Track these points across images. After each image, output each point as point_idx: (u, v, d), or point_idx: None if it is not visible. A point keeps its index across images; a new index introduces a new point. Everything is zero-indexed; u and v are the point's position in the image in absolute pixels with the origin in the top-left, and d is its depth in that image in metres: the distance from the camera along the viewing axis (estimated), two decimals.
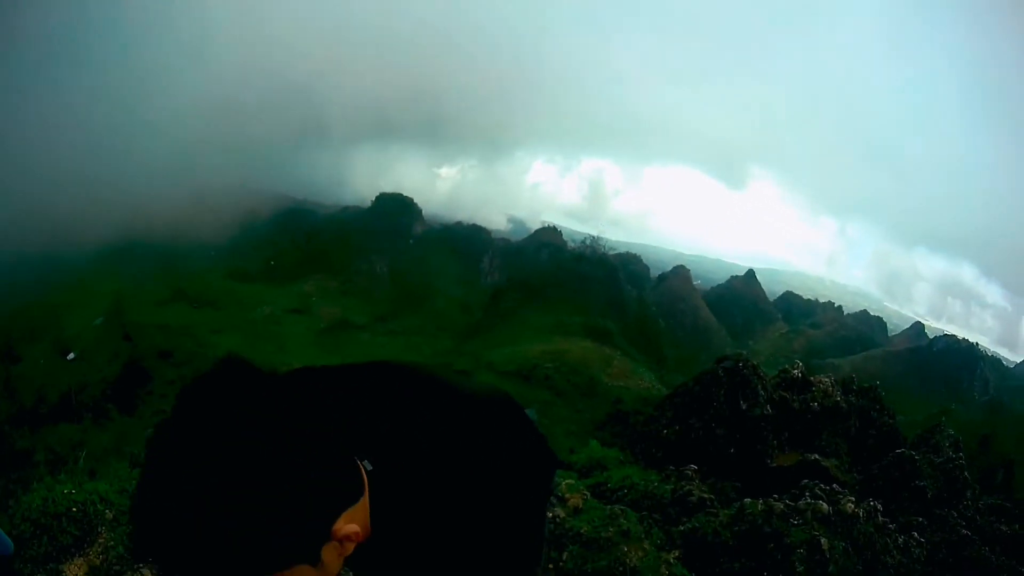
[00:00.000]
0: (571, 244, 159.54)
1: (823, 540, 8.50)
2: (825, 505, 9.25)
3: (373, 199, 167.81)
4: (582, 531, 7.60)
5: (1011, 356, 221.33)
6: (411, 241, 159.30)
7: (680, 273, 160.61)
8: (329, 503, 1.31)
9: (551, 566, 7.16)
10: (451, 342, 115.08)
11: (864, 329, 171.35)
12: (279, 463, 1.18)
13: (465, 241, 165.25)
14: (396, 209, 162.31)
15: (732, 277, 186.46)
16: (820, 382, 20.32)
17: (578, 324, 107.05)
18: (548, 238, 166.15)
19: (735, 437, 19.00)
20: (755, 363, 20.68)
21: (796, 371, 20.69)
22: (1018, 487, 43.21)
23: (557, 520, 7.72)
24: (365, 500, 1.44)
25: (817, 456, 17.69)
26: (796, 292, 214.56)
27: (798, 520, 8.89)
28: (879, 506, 10.14)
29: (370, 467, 1.48)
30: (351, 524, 1.34)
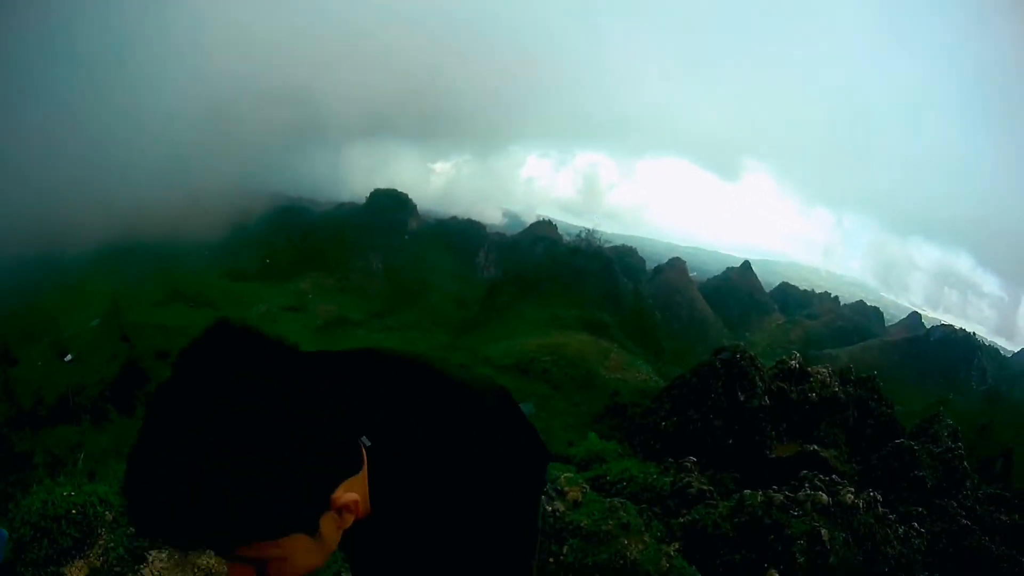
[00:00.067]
0: (566, 238, 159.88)
1: (823, 531, 8.49)
2: (825, 496, 9.24)
3: (368, 196, 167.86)
4: (582, 524, 7.57)
5: (1008, 345, 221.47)
6: (406, 237, 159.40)
7: (676, 265, 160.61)
8: (328, 470, 1.30)
9: (551, 560, 7.14)
10: (447, 337, 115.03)
11: (861, 319, 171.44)
12: (278, 427, 1.15)
13: (460, 236, 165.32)
14: (391, 205, 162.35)
15: (728, 268, 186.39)
16: (818, 373, 20.31)
17: (574, 317, 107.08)
18: (543, 232, 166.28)
19: (733, 428, 18.99)
20: (752, 354, 20.66)
21: (794, 362, 20.68)
22: (1017, 476, 43.37)
23: (557, 514, 7.70)
24: (364, 475, 1.43)
25: (816, 447, 17.69)
26: (792, 283, 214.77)
27: (798, 511, 8.88)
28: (879, 496, 10.13)
29: (368, 443, 1.46)
30: (351, 493, 1.33)
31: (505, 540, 1.62)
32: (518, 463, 1.73)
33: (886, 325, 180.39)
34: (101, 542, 5.45)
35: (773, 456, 18.20)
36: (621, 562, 7.14)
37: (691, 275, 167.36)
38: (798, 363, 20.63)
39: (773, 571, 8.07)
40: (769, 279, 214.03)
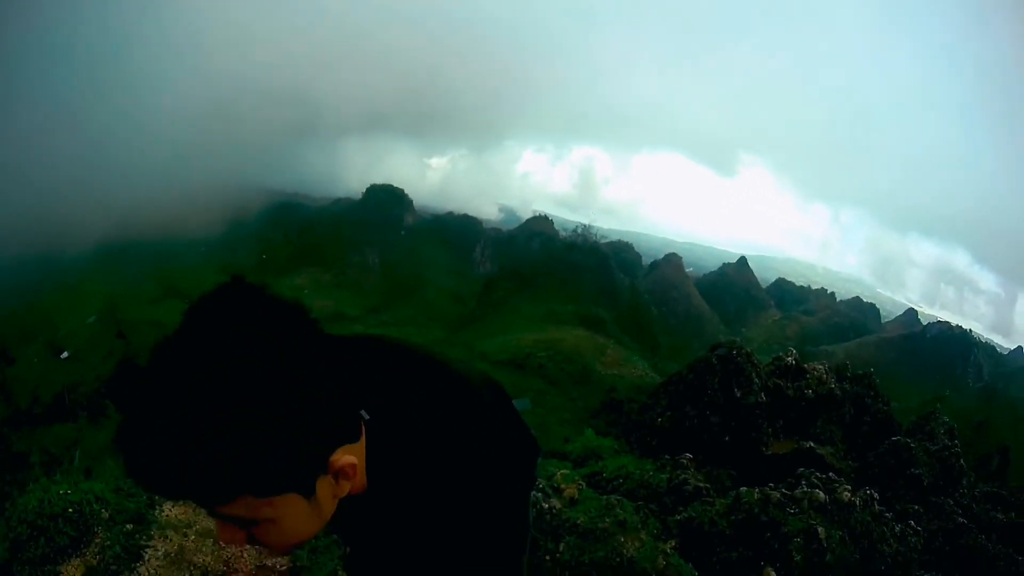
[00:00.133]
0: (562, 233, 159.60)
1: (820, 529, 8.50)
2: (822, 494, 9.24)
3: (364, 191, 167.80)
4: (578, 522, 7.57)
5: (1005, 343, 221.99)
6: (402, 232, 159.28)
7: (672, 261, 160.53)
8: (327, 431, 1.28)
9: (548, 557, 7.14)
10: (444, 332, 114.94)
11: (857, 316, 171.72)
12: (280, 381, 1.14)
13: (456, 231, 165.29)
14: (387, 201, 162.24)
15: (724, 264, 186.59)
16: (814, 369, 20.33)
17: (571, 313, 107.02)
18: (539, 227, 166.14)
19: (730, 425, 19.03)
20: (749, 351, 20.69)
21: (790, 358, 20.71)
22: (1013, 473, 43.48)
23: (554, 511, 7.69)
24: (362, 446, 1.42)
25: (812, 444, 17.71)
26: (789, 279, 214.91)
27: (795, 509, 8.88)
28: (876, 494, 10.14)
29: (367, 416, 1.45)
30: (349, 456, 1.32)
31: (496, 532, 1.61)
32: (511, 457, 1.74)
33: (882, 322, 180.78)
34: (98, 540, 5.45)
35: (769, 453, 18.23)
36: (618, 560, 7.13)
37: (687, 271, 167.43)
38: (794, 360, 20.66)
39: (770, 569, 8.07)
40: (765, 275, 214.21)
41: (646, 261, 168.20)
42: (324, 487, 1.31)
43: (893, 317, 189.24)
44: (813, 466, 13.05)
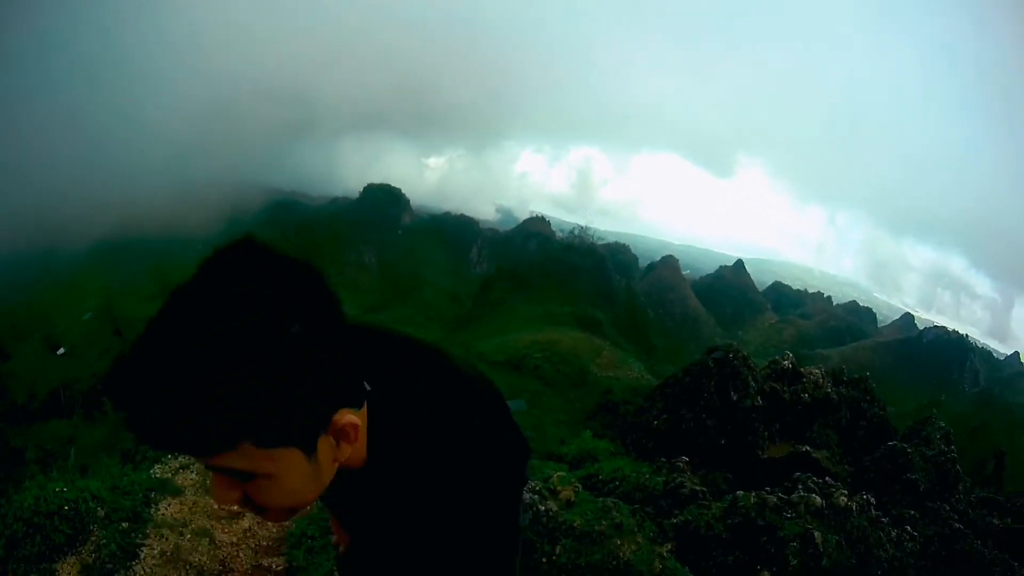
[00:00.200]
0: (559, 234, 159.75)
1: (817, 534, 8.49)
2: (818, 498, 9.24)
3: (361, 190, 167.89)
4: (575, 524, 7.56)
5: (1001, 348, 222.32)
6: (399, 232, 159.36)
7: (669, 263, 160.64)
8: (332, 387, 1.27)
9: (544, 560, 7.13)
10: (441, 332, 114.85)
11: (854, 320, 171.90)
12: (288, 331, 1.14)
13: (453, 231, 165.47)
14: (384, 200, 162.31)
15: (721, 267, 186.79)
16: (810, 373, 20.36)
17: (567, 314, 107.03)
18: (536, 228, 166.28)
19: (726, 428, 19.04)
20: (745, 354, 20.70)
21: (787, 362, 20.73)
22: (1008, 479, 43.52)
23: (550, 513, 7.68)
24: (364, 413, 1.41)
25: (808, 447, 17.72)
26: (785, 282, 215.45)
27: (791, 513, 8.88)
28: (872, 499, 10.14)
29: (369, 387, 1.45)
30: (351, 415, 1.31)
31: (488, 530, 1.60)
32: (504, 455, 1.72)
33: (879, 326, 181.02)
34: (93, 539, 5.45)
35: (765, 457, 18.24)
36: (614, 563, 7.13)
37: (684, 273, 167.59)
38: (791, 363, 20.67)
39: (766, 573, 8.07)
40: (762, 278, 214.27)
41: (643, 263, 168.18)
42: (325, 447, 1.30)
43: (889, 321, 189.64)
44: (809, 470, 13.05)
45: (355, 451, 1.41)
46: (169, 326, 1.11)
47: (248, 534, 6.04)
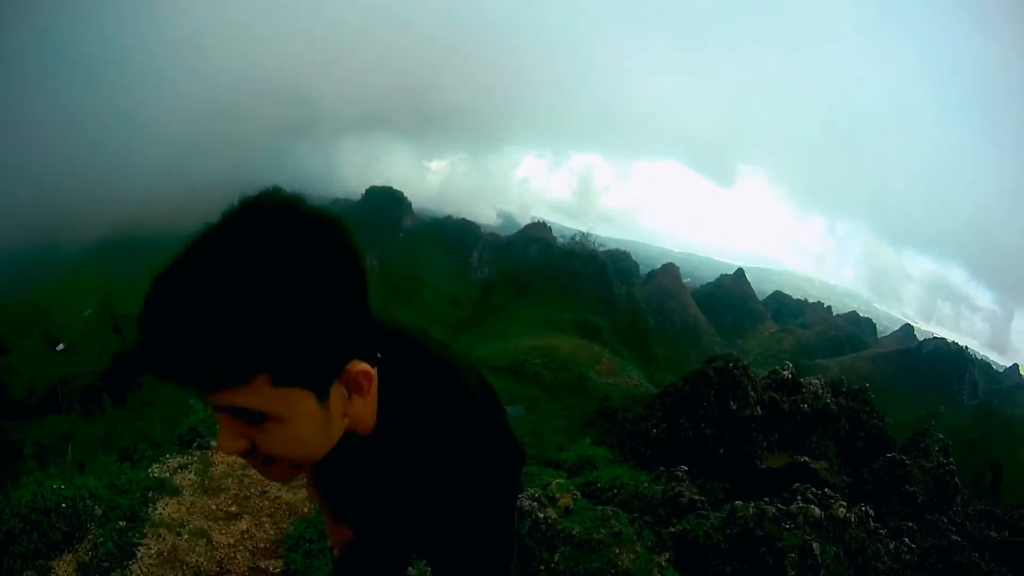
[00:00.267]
0: (560, 240, 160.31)
1: (815, 545, 8.47)
2: (817, 509, 9.23)
3: (363, 193, 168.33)
4: (573, 532, 7.55)
5: (1000, 360, 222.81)
6: (401, 235, 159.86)
7: (669, 271, 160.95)
8: (349, 333, 1.27)
9: (542, 567, 7.12)
10: (441, 336, 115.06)
11: (853, 330, 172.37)
12: (311, 274, 1.16)
13: (455, 235, 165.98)
14: (386, 203, 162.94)
15: (721, 275, 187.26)
16: (810, 383, 20.36)
17: (568, 320, 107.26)
18: (537, 233, 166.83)
19: (725, 438, 19.03)
20: (745, 363, 20.70)
21: (786, 372, 20.73)
22: (1006, 491, 43.52)
23: (548, 521, 7.67)
24: (375, 378, 1.40)
25: (806, 458, 17.72)
26: (785, 291, 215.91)
27: (790, 524, 8.87)
28: (870, 511, 10.13)
29: (379, 355, 1.46)
30: (364, 365, 1.32)
31: (485, 529, 1.63)
32: (500, 457, 1.72)
33: (878, 336, 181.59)
34: (90, 537, 5.44)
35: (764, 467, 18.24)
36: (613, 571, 7.12)
37: (684, 281, 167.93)
38: (791, 373, 20.68)
39: None
40: (762, 287, 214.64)
41: (643, 270, 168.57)
42: (337, 398, 1.30)
43: (889, 332, 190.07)
44: (807, 481, 13.04)
45: (364, 414, 1.44)
46: (195, 255, 1.13)
47: (246, 536, 6.03)
